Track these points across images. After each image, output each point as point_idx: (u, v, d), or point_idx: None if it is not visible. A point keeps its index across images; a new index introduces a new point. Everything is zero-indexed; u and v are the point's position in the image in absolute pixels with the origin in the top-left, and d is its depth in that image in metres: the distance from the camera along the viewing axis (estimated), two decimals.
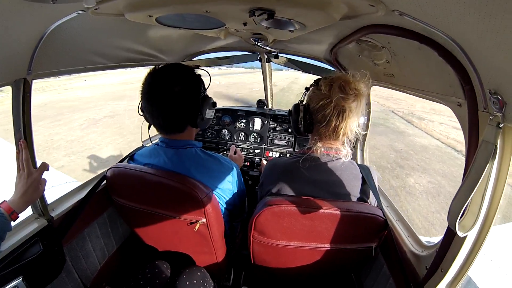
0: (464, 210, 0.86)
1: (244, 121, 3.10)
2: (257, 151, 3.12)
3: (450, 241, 1.06)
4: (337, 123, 1.30)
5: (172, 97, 1.33)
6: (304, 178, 1.37)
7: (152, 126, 1.52)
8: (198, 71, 1.47)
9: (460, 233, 0.88)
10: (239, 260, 1.84)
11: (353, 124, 1.33)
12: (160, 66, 1.39)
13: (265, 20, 1.05)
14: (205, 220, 1.38)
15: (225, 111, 3.11)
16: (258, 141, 3.11)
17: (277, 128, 3.05)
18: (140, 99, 1.42)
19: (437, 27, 0.83)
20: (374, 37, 1.30)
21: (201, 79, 1.46)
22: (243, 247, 1.73)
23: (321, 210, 1.23)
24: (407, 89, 1.50)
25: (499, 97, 0.77)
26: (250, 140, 3.12)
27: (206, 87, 1.49)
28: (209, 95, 1.49)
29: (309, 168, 1.36)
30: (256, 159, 3.12)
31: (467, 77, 0.93)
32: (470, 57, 0.84)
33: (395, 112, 25.78)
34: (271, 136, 3.07)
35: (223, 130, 3.14)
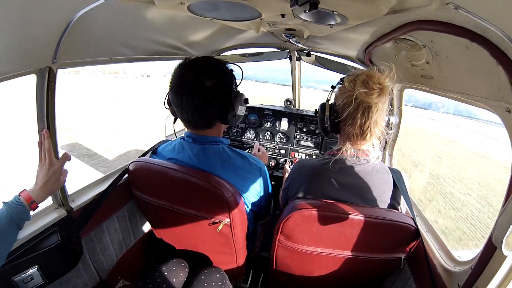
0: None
1: (270, 120, 3.06)
2: (282, 151, 3.07)
3: (489, 257, 0.98)
4: (363, 121, 1.25)
5: (204, 91, 1.28)
6: (334, 181, 1.31)
7: (177, 120, 1.48)
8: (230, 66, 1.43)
9: (506, 251, 0.81)
10: (258, 263, 1.79)
11: (379, 122, 1.27)
12: (191, 58, 1.34)
13: (304, 13, 1.00)
14: (229, 220, 1.33)
15: (251, 109, 3.07)
16: (284, 141, 3.06)
17: (304, 129, 2.99)
18: (167, 92, 1.38)
19: (494, 24, 0.76)
20: (415, 35, 1.22)
21: (233, 74, 1.42)
22: (263, 249, 1.68)
23: (351, 216, 1.17)
24: (447, 92, 1.42)
25: None
26: (276, 140, 3.07)
27: (238, 83, 1.44)
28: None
29: (338, 171, 1.31)
30: (281, 160, 3.07)
31: None
32: None
33: None
34: (298, 136, 3.02)
35: (248, 128, 3.10)
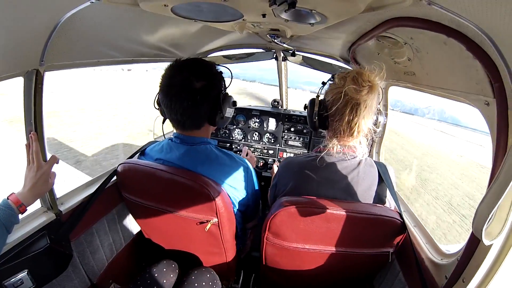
0: (491, 217, 0.80)
1: (258, 120, 3.07)
2: (270, 151, 3.09)
3: (474, 249, 1.00)
4: (351, 118, 1.27)
5: (193, 93, 1.29)
6: (320, 177, 1.33)
7: (165, 121, 1.50)
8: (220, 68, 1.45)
9: (486, 241, 0.82)
10: (249, 262, 1.79)
11: (367, 119, 1.29)
12: (181, 59, 1.36)
13: (284, 12, 1.01)
14: (216, 220, 1.34)
15: (239, 110, 3.08)
16: (272, 141, 3.08)
17: (292, 129, 3.01)
18: (157, 92, 1.39)
19: (467, 18, 0.79)
20: (396, 33, 1.25)
21: (223, 77, 1.44)
22: (254, 249, 1.69)
23: (338, 212, 1.18)
24: (429, 88, 1.45)
25: None
26: (264, 140, 3.09)
27: (227, 85, 1.46)
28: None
29: (325, 167, 1.32)
30: (270, 160, 3.09)
31: (497, 73, 0.88)
32: (502, 51, 0.80)
33: None
34: (286, 136, 3.04)
35: (236, 129, 3.12)
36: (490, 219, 0.79)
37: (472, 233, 0.99)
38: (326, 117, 1.35)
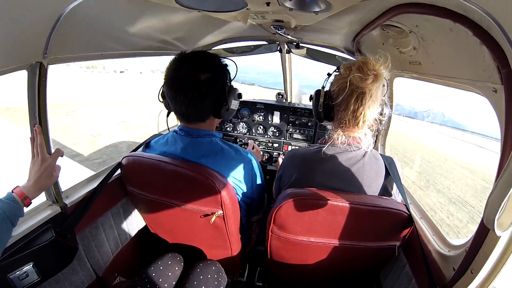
0: (502, 206, 0.78)
1: (262, 114, 3.08)
2: (275, 145, 3.09)
3: (483, 240, 0.97)
4: (356, 107, 1.25)
5: (198, 85, 1.29)
6: (325, 169, 1.31)
7: (170, 115, 1.49)
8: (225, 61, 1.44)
9: (498, 232, 0.80)
10: (254, 256, 1.78)
11: (373, 109, 1.28)
12: (186, 51, 1.36)
13: (289, 0, 1.01)
14: (221, 212, 1.33)
15: (243, 103, 3.09)
16: (277, 135, 3.09)
17: (297, 122, 3.02)
18: (162, 85, 1.39)
19: (474, 2, 0.77)
20: (401, 21, 1.24)
21: (228, 69, 1.43)
22: (259, 243, 1.68)
23: (343, 204, 1.16)
24: (435, 78, 1.43)
25: None
26: (268, 133, 3.10)
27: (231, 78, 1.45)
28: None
29: (330, 158, 1.31)
30: (275, 153, 3.09)
31: (504, 58, 0.86)
32: (510, 36, 0.78)
33: None
34: (290, 130, 3.05)
35: (241, 123, 3.12)
36: (501, 209, 0.77)
37: (480, 223, 0.97)
38: (332, 107, 1.35)
